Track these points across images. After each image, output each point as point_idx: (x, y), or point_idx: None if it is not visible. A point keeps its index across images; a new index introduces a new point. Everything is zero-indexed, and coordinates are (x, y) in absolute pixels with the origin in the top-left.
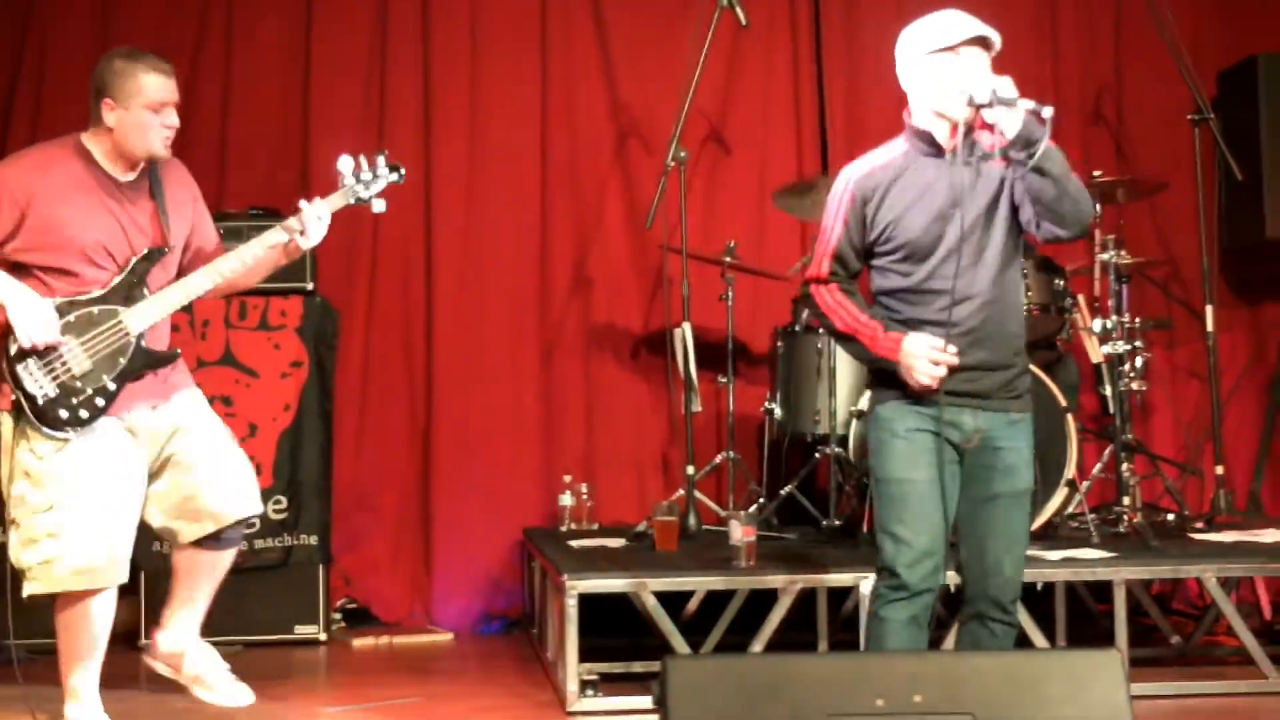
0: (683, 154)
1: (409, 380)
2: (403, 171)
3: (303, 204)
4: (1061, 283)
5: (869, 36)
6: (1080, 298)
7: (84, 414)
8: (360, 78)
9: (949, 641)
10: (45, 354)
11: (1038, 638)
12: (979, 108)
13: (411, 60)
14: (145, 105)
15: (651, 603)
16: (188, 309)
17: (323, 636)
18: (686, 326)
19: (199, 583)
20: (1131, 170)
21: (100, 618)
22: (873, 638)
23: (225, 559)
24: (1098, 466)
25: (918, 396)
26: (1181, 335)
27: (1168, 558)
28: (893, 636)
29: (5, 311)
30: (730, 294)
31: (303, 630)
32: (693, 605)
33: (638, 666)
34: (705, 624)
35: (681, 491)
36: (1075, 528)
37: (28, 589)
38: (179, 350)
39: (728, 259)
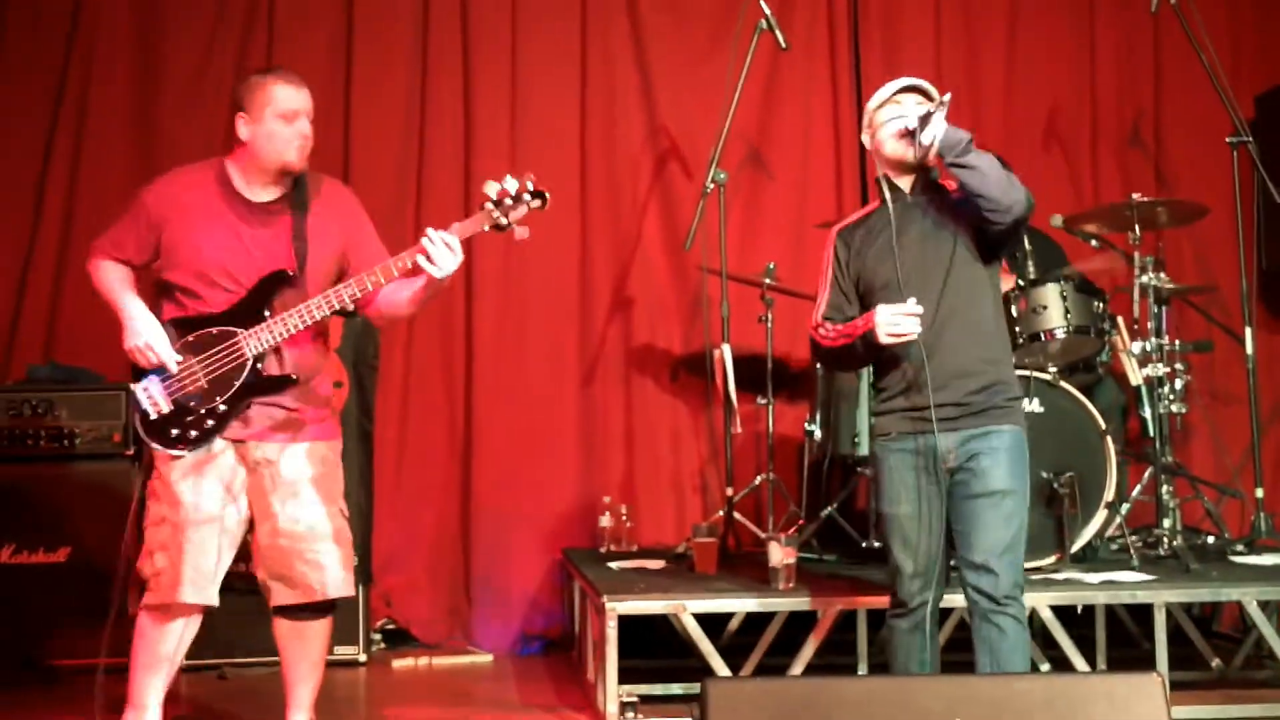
0: (722, 176)
1: (449, 401)
2: (547, 198)
3: (428, 231)
4: (1101, 305)
5: (908, 57)
6: (1120, 320)
7: (193, 433)
8: (402, 100)
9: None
10: (163, 372)
11: (1078, 660)
12: (911, 132)
13: (453, 83)
14: (276, 115)
15: (691, 624)
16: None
17: (362, 658)
18: (726, 348)
19: (297, 658)
20: (1170, 194)
21: (174, 636)
22: (886, 645)
23: (319, 628)
24: (1137, 489)
25: (901, 433)
26: (1221, 357)
27: (1208, 581)
28: (898, 644)
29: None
30: (770, 315)
31: (343, 651)
32: (732, 627)
33: (677, 688)
34: (745, 646)
35: (721, 513)
36: (1115, 550)
37: (144, 599)
38: (294, 377)
39: (767, 280)
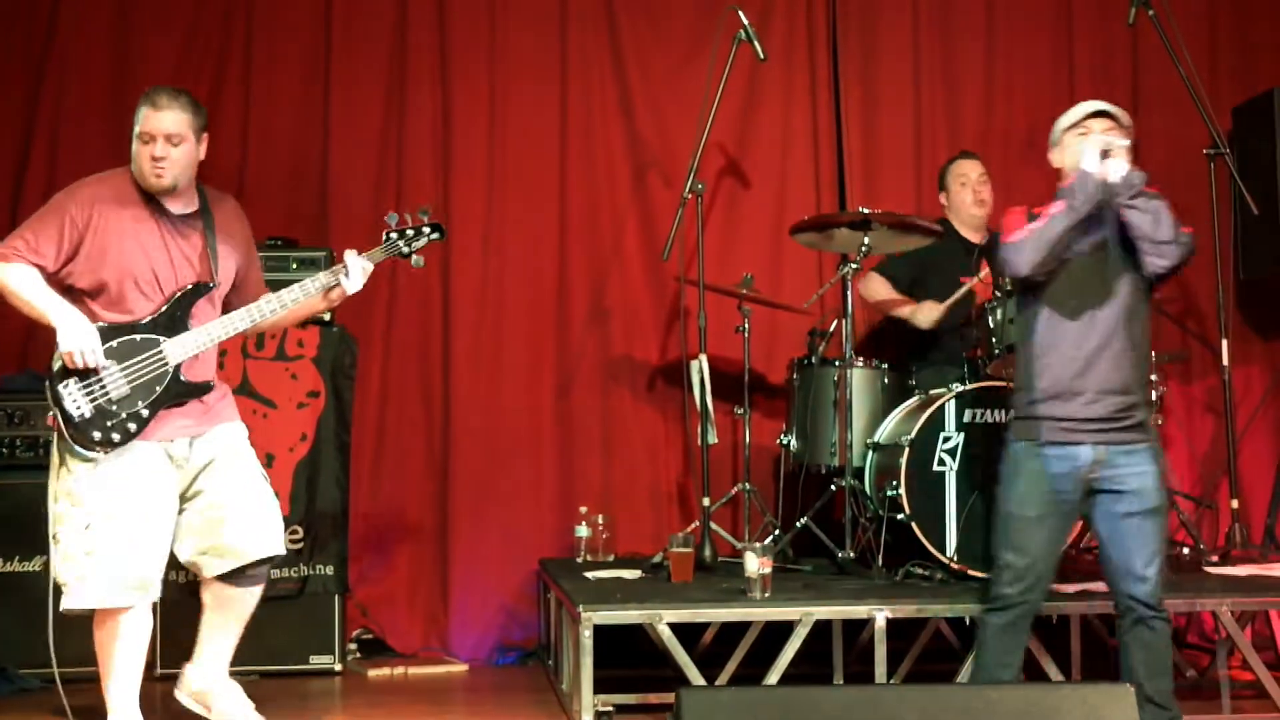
0: (700, 186)
1: (426, 411)
2: (444, 231)
3: (348, 255)
4: None
5: (886, 69)
6: None
7: (115, 436)
8: (379, 111)
9: (964, 674)
10: (86, 376)
11: (1052, 670)
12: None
13: (430, 94)
14: (140, 135)
15: (667, 634)
16: None
17: (338, 667)
18: (703, 358)
19: (224, 619)
20: None
21: (131, 635)
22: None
23: (248, 597)
24: None
25: (1045, 442)
26: (1197, 369)
27: (1183, 591)
28: (991, 637)
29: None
30: (747, 326)
31: (318, 661)
32: (708, 637)
33: (653, 698)
34: (721, 655)
35: (697, 523)
36: (1090, 560)
37: (64, 604)
38: (212, 383)
39: (745, 291)
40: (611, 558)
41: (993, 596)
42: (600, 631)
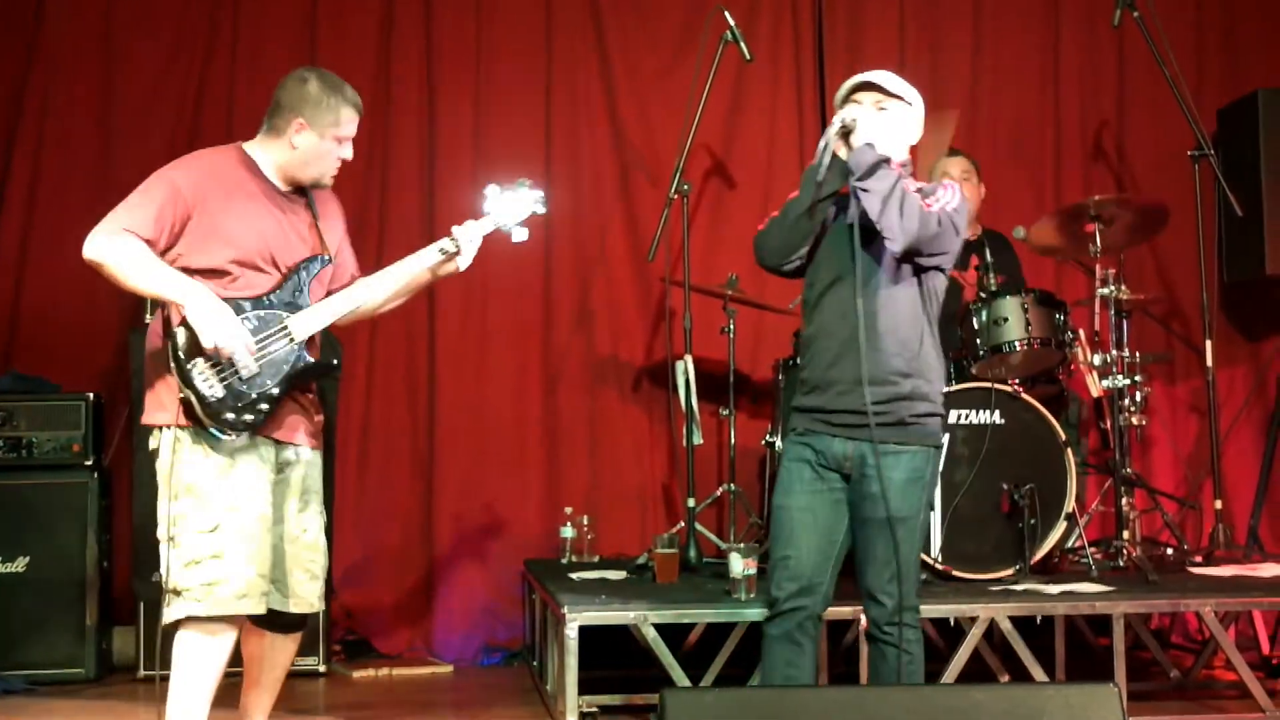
0: (686, 187)
1: (412, 412)
2: (545, 201)
3: (455, 228)
4: (1062, 317)
5: (871, 66)
6: (1081, 332)
7: (249, 418)
8: (366, 112)
9: (949, 674)
10: (212, 355)
11: (1036, 671)
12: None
13: (416, 94)
14: (336, 136)
15: (652, 635)
16: None
17: (323, 668)
18: (688, 359)
19: (262, 665)
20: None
21: (226, 650)
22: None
23: (289, 644)
24: (1097, 500)
25: (804, 429)
26: (1181, 370)
27: (1166, 592)
28: (767, 653)
29: (180, 311)
30: (732, 327)
31: (303, 662)
32: (693, 637)
33: (638, 699)
34: (706, 656)
35: (682, 524)
36: (1074, 561)
37: (184, 610)
38: (338, 361)
39: (730, 292)
40: (597, 558)
41: (769, 601)
42: (585, 632)
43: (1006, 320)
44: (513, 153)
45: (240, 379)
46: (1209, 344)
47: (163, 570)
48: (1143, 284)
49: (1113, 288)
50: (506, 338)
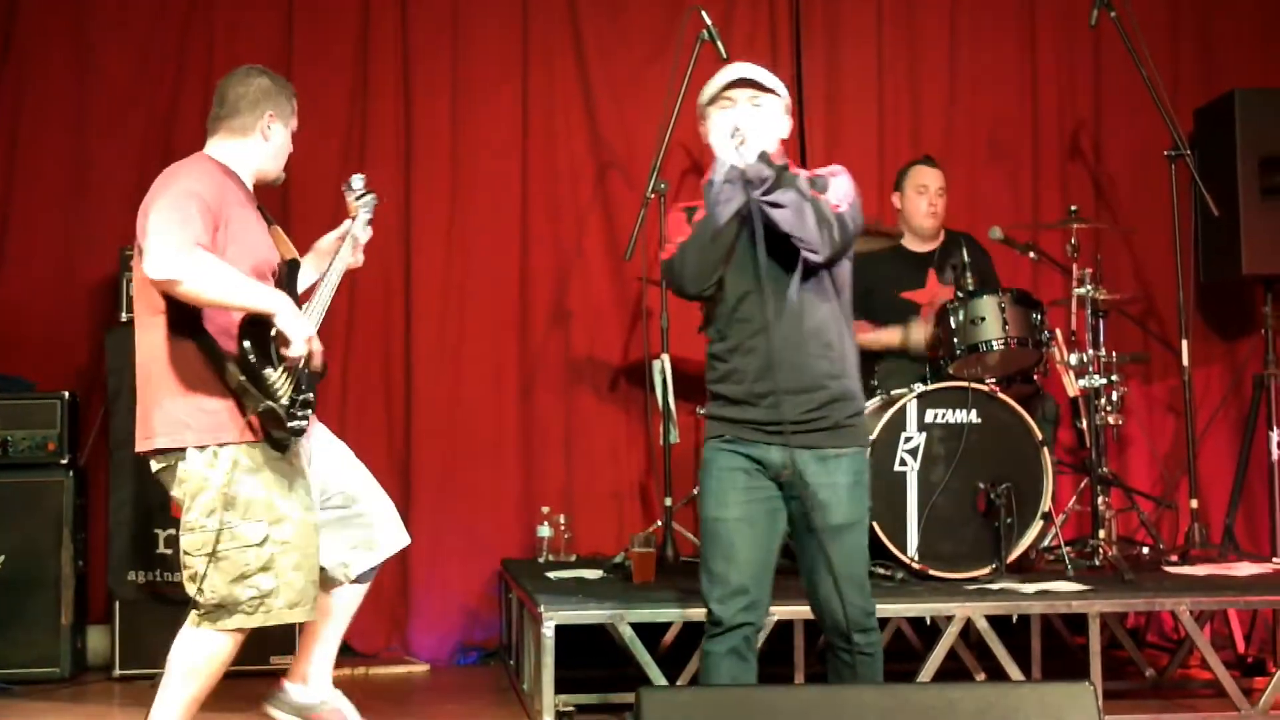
0: (663, 185)
1: (388, 411)
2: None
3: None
4: (1039, 316)
5: (850, 69)
6: (1058, 332)
7: (303, 424)
8: (342, 110)
9: (925, 673)
10: (285, 363)
11: (1012, 670)
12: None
13: (393, 93)
14: (293, 127)
15: (628, 634)
16: None
17: None
18: (665, 358)
19: (340, 625)
20: (1109, 206)
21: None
22: (701, 670)
23: (362, 595)
24: (1073, 500)
25: (734, 436)
26: (1158, 370)
27: (1142, 591)
28: (714, 670)
29: (273, 318)
30: None
31: (279, 661)
32: (669, 637)
33: (614, 698)
34: (682, 655)
35: (659, 523)
36: (1050, 560)
37: (238, 623)
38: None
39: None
40: (573, 558)
41: (709, 621)
42: (562, 631)
43: (984, 319)
44: (490, 153)
45: (300, 385)
46: (1185, 344)
47: (191, 581)
48: (1119, 284)
49: (1089, 287)
50: (483, 337)
